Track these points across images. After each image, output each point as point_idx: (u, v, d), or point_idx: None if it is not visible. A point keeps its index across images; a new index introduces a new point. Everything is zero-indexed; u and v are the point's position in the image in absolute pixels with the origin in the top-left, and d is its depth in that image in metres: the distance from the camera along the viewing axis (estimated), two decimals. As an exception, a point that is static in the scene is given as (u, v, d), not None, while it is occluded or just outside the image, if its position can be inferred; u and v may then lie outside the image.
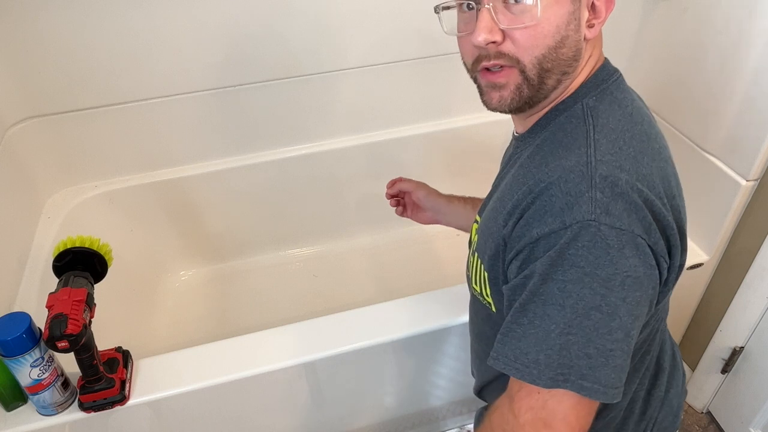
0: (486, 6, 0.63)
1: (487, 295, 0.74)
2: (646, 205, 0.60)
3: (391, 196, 1.12)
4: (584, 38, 0.66)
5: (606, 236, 0.57)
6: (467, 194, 1.11)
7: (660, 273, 0.62)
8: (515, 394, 0.62)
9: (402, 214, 1.14)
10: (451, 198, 1.10)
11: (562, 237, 0.58)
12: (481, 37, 0.63)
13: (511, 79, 0.65)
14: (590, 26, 0.66)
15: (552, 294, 0.59)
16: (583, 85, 0.69)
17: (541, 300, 0.60)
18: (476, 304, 0.82)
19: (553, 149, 0.66)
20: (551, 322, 0.59)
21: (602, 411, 0.77)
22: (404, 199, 1.13)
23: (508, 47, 0.64)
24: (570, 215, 0.59)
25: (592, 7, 0.66)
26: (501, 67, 0.65)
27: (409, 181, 1.12)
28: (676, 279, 0.68)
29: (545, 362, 0.59)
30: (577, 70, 0.68)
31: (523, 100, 0.66)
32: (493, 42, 0.63)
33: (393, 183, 1.12)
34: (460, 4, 0.67)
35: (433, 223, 1.14)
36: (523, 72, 0.64)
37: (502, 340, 0.63)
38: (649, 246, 0.59)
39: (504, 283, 0.68)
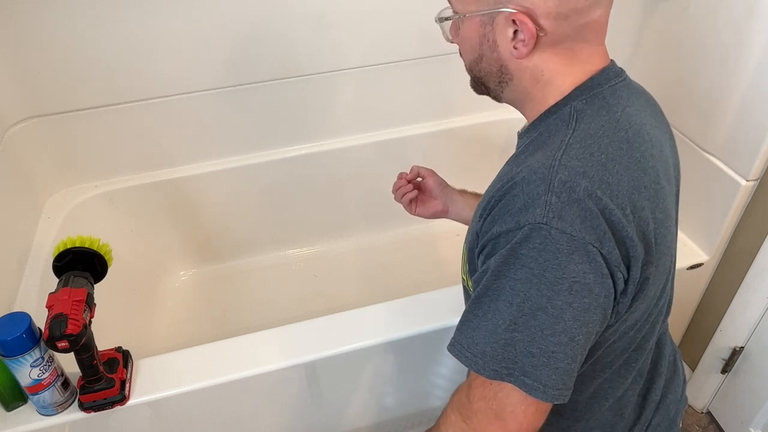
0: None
1: (470, 286, 0.75)
2: (603, 214, 0.60)
3: (409, 181, 1.10)
4: (513, 56, 0.67)
5: (556, 240, 0.58)
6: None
7: (615, 282, 0.62)
8: (472, 382, 0.65)
9: (410, 207, 1.11)
10: (463, 190, 1.10)
11: (515, 236, 0.60)
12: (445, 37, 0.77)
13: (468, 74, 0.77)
14: (515, 47, 0.66)
15: (503, 290, 0.61)
16: (578, 88, 0.69)
17: (494, 294, 0.62)
18: (466, 294, 0.83)
19: (535, 149, 0.68)
20: (500, 318, 0.61)
21: (585, 413, 0.78)
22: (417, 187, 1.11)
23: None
24: (524, 216, 0.60)
25: (515, 32, 0.65)
26: None
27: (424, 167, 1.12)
28: (640, 291, 0.66)
29: (491, 354, 0.61)
30: (521, 81, 0.70)
31: (478, 92, 0.78)
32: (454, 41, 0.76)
33: (411, 169, 1.11)
34: None
35: (438, 217, 1.11)
36: (468, 72, 0.76)
37: (460, 328, 0.66)
38: (601, 254, 0.60)
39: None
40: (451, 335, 0.77)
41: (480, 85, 0.76)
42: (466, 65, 0.75)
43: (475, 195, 1.09)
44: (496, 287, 0.62)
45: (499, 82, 0.72)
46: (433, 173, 1.11)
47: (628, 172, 0.64)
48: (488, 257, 0.64)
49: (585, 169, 0.61)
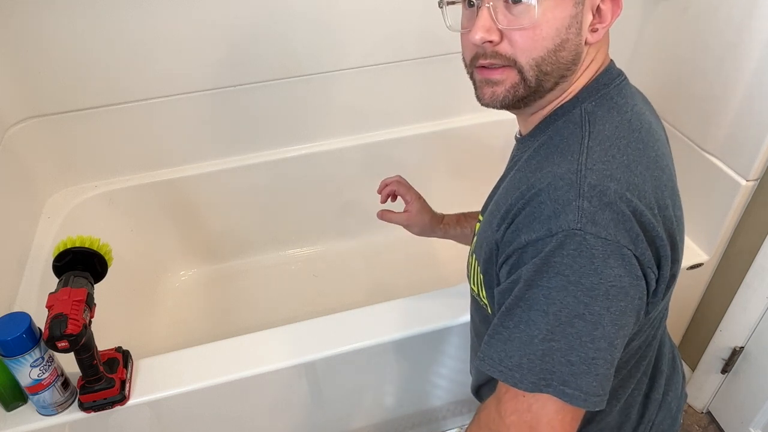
0: (486, 5, 0.63)
1: (483, 297, 0.75)
2: (635, 215, 0.60)
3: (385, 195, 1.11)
4: (586, 42, 0.65)
5: (591, 246, 0.57)
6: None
7: (647, 283, 0.62)
8: (502, 396, 0.63)
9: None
10: (445, 220, 1.10)
11: (547, 244, 0.59)
12: (478, 36, 0.63)
13: (508, 77, 0.66)
14: (593, 30, 0.65)
15: (537, 300, 0.59)
16: (585, 89, 0.68)
17: (526, 305, 0.60)
18: (475, 304, 0.82)
19: (548, 154, 0.66)
20: (535, 328, 0.59)
21: (596, 416, 0.77)
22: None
23: (505, 48, 0.64)
24: (556, 223, 0.59)
25: (598, 11, 0.65)
26: (499, 66, 0.66)
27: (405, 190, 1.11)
28: (668, 289, 0.67)
29: (528, 367, 0.59)
30: (576, 73, 0.67)
31: (516, 98, 0.67)
32: (490, 41, 0.64)
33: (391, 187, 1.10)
34: (464, 0, 0.67)
35: (419, 223, 1.11)
36: (521, 72, 0.65)
37: (489, 342, 0.63)
38: (635, 257, 0.59)
39: (497, 286, 0.68)
40: (452, 335, 0.76)
41: (531, 87, 0.66)
42: (529, 59, 0.64)
43: (456, 219, 1.09)
44: (529, 297, 0.60)
45: (561, 77, 0.66)
46: (412, 206, 1.08)
47: (649, 172, 0.63)
48: (515, 267, 0.62)
49: (611, 171, 0.61)
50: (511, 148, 0.81)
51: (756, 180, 1.16)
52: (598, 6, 0.64)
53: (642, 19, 1.40)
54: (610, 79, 0.69)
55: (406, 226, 1.10)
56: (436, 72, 1.54)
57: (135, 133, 1.45)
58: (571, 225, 0.58)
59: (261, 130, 1.54)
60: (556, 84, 0.66)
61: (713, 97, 1.19)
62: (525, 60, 0.64)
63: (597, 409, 0.60)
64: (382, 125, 1.63)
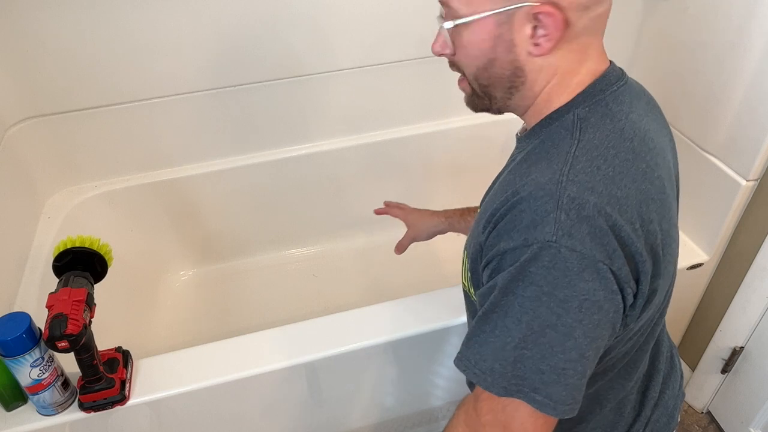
0: (439, 25, 0.70)
1: (472, 294, 0.75)
2: (613, 230, 0.59)
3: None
4: (531, 54, 0.64)
5: (566, 259, 0.58)
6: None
7: (624, 298, 0.62)
8: (479, 395, 0.65)
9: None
10: (447, 213, 1.15)
11: (523, 254, 0.59)
12: (434, 49, 0.72)
13: (465, 87, 0.74)
14: (536, 44, 0.64)
15: (511, 308, 0.60)
16: (580, 94, 0.67)
17: (502, 311, 0.61)
18: (467, 300, 0.83)
19: (538, 159, 0.66)
20: (508, 335, 0.61)
21: (587, 415, 0.78)
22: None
23: (456, 60, 0.71)
24: (533, 234, 0.59)
25: (540, 23, 0.62)
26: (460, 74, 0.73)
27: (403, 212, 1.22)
28: (648, 302, 0.66)
29: (500, 372, 0.61)
30: (535, 83, 0.67)
31: (478, 107, 0.74)
32: (443, 54, 0.71)
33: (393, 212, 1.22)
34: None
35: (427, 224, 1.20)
36: (471, 84, 0.72)
37: (466, 343, 0.65)
38: (611, 271, 0.59)
39: (482, 284, 0.69)
40: (451, 335, 0.76)
41: (483, 98, 0.71)
42: (468, 75, 0.70)
43: (460, 213, 1.13)
44: (504, 304, 0.61)
45: (509, 88, 0.68)
46: (411, 223, 1.20)
47: (636, 185, 0.63)
48: (494, 272, 0.63)
49: (593, 184, 0.60)
50: (512, 148, 0.81)
51: (756, 180, 1.16)
52: (539, 18, 0.62)
53: (642, 18, 1.40)
54: (608, 84, 0.68)
55: (415, 238, 1.19)
56: (436, 72, 1.54)
57: (135, 133, 1.45)
58: (546, 237, 0.58)
59: (261, 130, 1.54)
60: (510, 93, 0.69)
61: (713, 97, 1.19)
62: (467, 73, 0.71)
63: (567, 417, 0.61)
64: (381, 125, 1.63)
